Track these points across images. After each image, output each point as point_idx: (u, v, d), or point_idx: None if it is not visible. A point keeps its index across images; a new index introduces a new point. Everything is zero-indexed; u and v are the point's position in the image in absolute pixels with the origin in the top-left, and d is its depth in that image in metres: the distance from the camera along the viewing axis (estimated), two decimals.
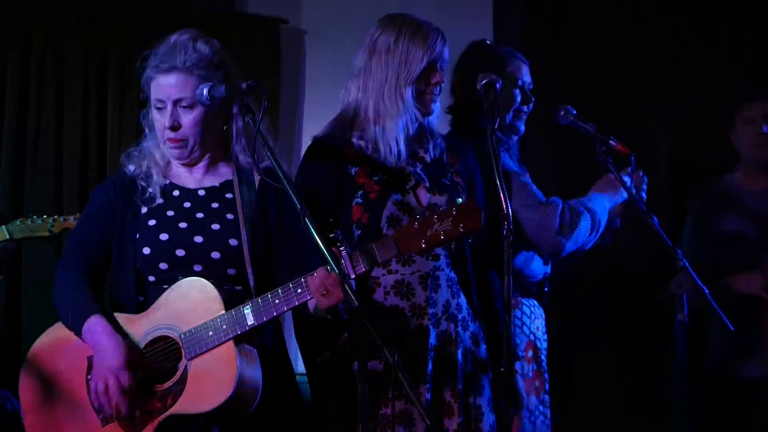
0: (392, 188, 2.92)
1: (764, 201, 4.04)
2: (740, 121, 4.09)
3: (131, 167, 2.90)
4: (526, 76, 3.46)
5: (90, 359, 2.75)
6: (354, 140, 2.98)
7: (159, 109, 2.83)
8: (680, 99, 4.95)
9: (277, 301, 2.63)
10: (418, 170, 2.99)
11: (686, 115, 4.93)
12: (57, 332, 2.83)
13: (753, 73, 4.77)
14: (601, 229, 3.33)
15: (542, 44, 5.08)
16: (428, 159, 3.02)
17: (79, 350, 2.76)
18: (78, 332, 2.75)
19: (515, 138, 3.48)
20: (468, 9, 5.23)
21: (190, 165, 2.90)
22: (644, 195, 3.42)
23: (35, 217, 3.74)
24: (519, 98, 3.41)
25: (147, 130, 2.94)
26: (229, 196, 2.87)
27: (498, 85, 2.90)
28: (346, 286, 2.41)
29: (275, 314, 2.64)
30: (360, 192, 2.91)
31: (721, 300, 3.37)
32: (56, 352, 2.80)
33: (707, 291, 3.20)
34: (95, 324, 2.72)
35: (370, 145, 2.96)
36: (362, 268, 2.57)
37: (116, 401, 2.65)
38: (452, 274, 2.96)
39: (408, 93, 2.95)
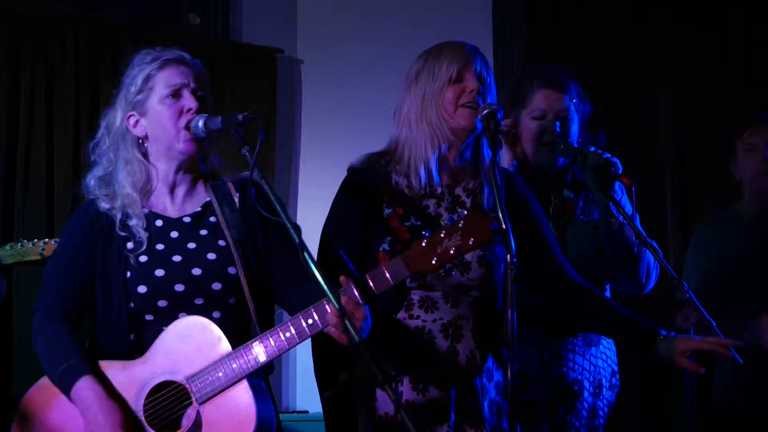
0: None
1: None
2: (742, 149, 3.90)
3: (105, 205, 2.75)
4: (543, 103, 3.29)
5: None
6: (393, 175, 2.83)
7: (174, 96, 2.72)
8: (683, 99, 4.91)
9: (288, 334, 2.53)
10: (456, 218, 2.77)
11: (690, 115, 4.90)
12: (49, 384, 2.65)
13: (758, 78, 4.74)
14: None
15: (541, 45, 5.09)
16: (470, 203, 2.84)
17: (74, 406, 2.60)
18: (66, 393, 2.59)
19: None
20: (467, 15, 5.26)
21: (173, 190, 2.80)
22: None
23: (25, 241, 3.68)
24: (534, 129, 3.31)
25: (112, 159, 2.79)
26: (213, 219, 2.77)
27: (499, 116, 2.73)
28: (347, 323, 2.31)
29: (287, 348, 2.54)
30: (389, 239, 2.76)
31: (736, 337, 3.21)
32: (50, 405, 2.63)
33: (714, 324, 3.10)
34: (85, 389, 2.56)
35: (405, 181, 2.82)
36: (374, 292, 2.51)
37: None
38: (477, 321, 2.80)
39: (434, 112, 2.78)
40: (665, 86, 4.99)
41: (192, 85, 2.74)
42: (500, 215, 2.50)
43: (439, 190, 2.84)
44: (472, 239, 2.45)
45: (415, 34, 5.25)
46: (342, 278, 2.50)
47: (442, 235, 2.47)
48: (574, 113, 3.29)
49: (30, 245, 3.65)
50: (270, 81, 5.35)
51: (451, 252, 2.46)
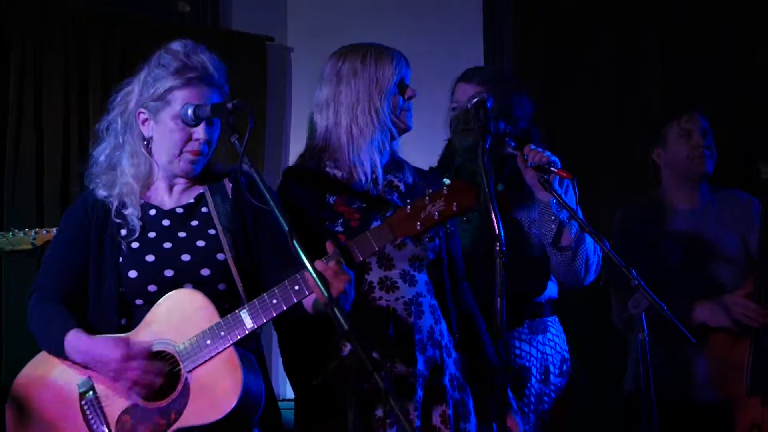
0: (372, 215, 2.89)
1: (690, 221, 3.94)
2: (677, 134, 3.94)
3: (102, 192, 2.83)
4: (457, 95, 3.43)
5: (81, 386, 2.67)
6: (329, 170, 2.96)
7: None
8: (670, 103, 4.91)
9: (274, 300, 2.57)
10: (395, 198, 2.97)
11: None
12: (40, 363, 2.75)
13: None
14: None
15: (531, 46, 5.11)
16: (403, 188, 3.01)
17: (65, 379, 2.69)
18: (61, 352, 2.68)
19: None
20: (459, 17, 5.25)
21: (172, 186, 2.86)
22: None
23: (16, 230, 3.69)
24: (451, 118, 3.40)
25: (120, 142, 2.84)
26: (204, 210, 2.83)
27: (489, 104, 2.83)
28: (335, 310, 2.33)
29: (274, 314, 2.58)
30: (341, 220, 2.89)
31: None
32: (42, 383, 2.71)
33: (665, 307, 3.13)
34: (76, 339, 2.66)
35: (345, 173, 2.95)
36: (359, 258, 2.54)
37: (148, 380, 2.60)
38: (433, 301, 2.94)
39: (383, 108, 2.94)
40: (657, 86, 5.01)
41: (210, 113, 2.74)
42: (487, 199, 2.57)
43: (374, 175, 2.96)
44: (455, 204, 2.47)
45: (405, 23, 5.27)
46: (328, 244, 2.54)
47: (426, 201, 2.49)
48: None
49: (21, 234, 3.66)
50: (260, 69, 5.35)
51: (435, 217, 2.48)
